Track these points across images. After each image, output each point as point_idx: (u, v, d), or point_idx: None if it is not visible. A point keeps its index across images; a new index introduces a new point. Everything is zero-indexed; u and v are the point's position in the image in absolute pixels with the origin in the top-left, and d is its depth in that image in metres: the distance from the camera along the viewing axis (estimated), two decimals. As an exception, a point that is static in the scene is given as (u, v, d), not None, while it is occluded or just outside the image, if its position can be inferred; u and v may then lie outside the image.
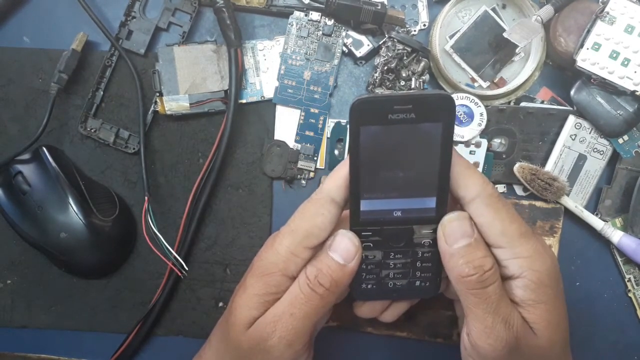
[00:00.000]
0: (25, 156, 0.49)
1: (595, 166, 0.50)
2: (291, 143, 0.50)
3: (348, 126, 0.33)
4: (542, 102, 0.50)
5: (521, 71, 0.50)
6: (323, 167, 0.51)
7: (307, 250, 0.35)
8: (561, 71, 0.50)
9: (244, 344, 0.35)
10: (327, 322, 0.49)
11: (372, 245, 0.36)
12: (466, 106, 0.48)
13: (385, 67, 0.48)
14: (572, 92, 0.48)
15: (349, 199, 0.35)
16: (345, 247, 0.35)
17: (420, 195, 0.34)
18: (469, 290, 0.34)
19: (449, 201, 0.35)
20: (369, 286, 0.37)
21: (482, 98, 0.48)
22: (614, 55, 0.46)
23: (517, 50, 0.49)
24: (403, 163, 0.33)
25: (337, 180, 0.35)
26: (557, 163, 0.49)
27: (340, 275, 0.35)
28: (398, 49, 0.48)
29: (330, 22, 0.49)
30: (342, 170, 0.35)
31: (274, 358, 0.35)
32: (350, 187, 0.34)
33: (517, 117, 0.49)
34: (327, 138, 0.50)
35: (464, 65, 0.49)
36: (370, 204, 0.34)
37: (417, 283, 0.37)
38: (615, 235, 0.49)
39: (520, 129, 0.49)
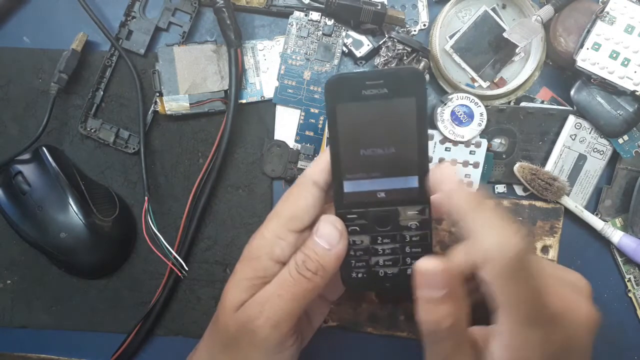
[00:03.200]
0: (25, 156, 0.49)
1: (595, 166, 0.50)
2: (291, 143, 0.50)
3: (325, 105, 0.33)
4: (542, 102, 0.50)
5: (521, 71, 0.50)
6: (323, 167, 0.51)
7: (292, 233, 0.35)
8: (561, 71, 0.50)
9: (231, 326, 0.35)
10: (327, 322, 0.49)
11: (358, 229, 0.36)
12: (466, 106, 0.48)
13: (385, 67, 0.48)
14: (572, 92, 0.48)
15: (332, 180, 0.35)
16: (328, 231, 0.35)
17: (401, 174, 0.34)
18: (425, 336, 0.32)
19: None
20: (360, 275, 0.37)
21: (482, 98, 0.48)
22: (614, 55, 0.46)
23: (517, 50, 0.49)
24: (381, 141, 0.33)
25: (319, 164, 0.36)
26: (557, 163, 0.49)
27: (327, 260, 0.35)
28: (398, 49, 0.48)
29: (330, 22, 0.49)
30: (325, 155, 0.35)
31: (260, 339, 0.35)
32: (332, 168, 0.34)
33: (517, 117, 0.49)
34: (327, 138, 0.50)
35: (464, 65, 0.49)
36: (353, 185, 0.35)
37: (409, 271, 0.37)
38: (615, 235, 0.49)
39: (520, 128, 0.49)
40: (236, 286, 0.36)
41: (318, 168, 0.36)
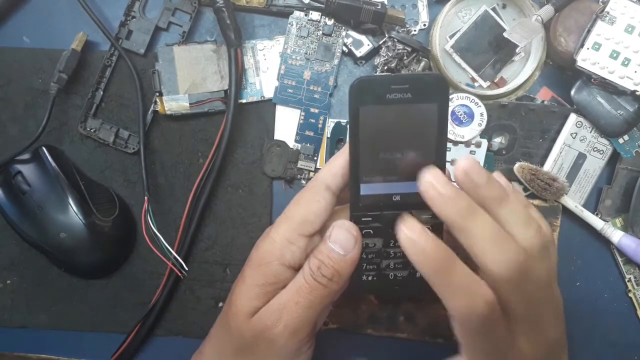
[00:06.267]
0: (25, 156, 0.48)
1: (594, 165, 0.50)
2: (291, 143, 0.50)
3: (348, 107, 0.34)
4: (543, 102, 0.50)
5: (521, 71, 0.50)
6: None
7: (303, 237, 0.35)
8: (561, 71, 0.50)
9: (247, 333, 0.35)
10: (327, 325, 0.49)
11: (372, 232, 0.36)
12: (466, 106, 0.48)
13: (386, 67, 0.48)
14: (572, 92, 0.48)
15: (348, 182, 0.35)
16: (344, 237, 0.35)
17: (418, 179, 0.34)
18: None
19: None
20: (370, 278, 0.37)
21: (483, 98, 0.48)
22: (614, 55, 0.46)
23: (517, 50, 0.49)
24: (401, 145, 0.34)
25: (333, 168, 0.35)
26: (556, 161, 0.49)
27: (342, 265, 0.35)
28: (398, 49, 0.48)
29: (330, 22, 0.49)
30: (339, 159, 0.35)
31: (278, 346, 0.35)
32: (350, 169, 0.34)
33: (518, 114, 0.49)
34: (327, 138, 0.50)
35: (464, 65, 0.49)
36: (369, 187, 0.35)
37: (418, 274, 0.37)
38: (616, 235, 0.49)
39: (521, 125, 0.49)
40: (247, 292, 0.36)
41: (331, 172, 0.35)
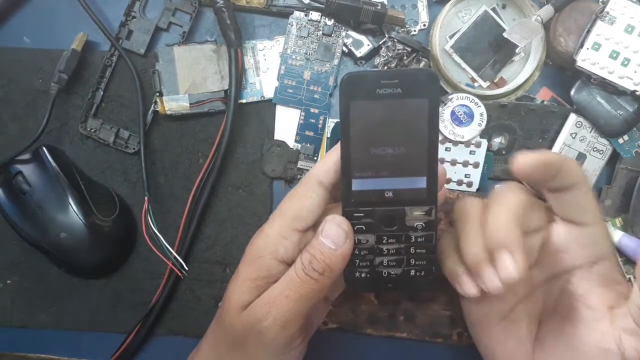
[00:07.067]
0: (25, 156, 0.49)
1: (594, 165, 0.50)
2: (291, 143, 0.50)
3: (338, 103, 0.34)
4: (542, 102, 0.50)
5: (521, 71, 0.50)
6: (323, 167, 0.51)
7: (296, 233, 0.35)
8: (561, 71, 0.50)
9: (238, 326, 0.35)
10: (327, 324, 0.49)
11: (364, 228, 0.36)
12: (466, 106, 0.48)
13: (385, 67, 0.48)
14: (572, 92, 0.48)
15: (340, 178, 0.35)
16: (335, 232, 0.35)
17: (410, 175, 0.35)
18: None
19: None
20: (363, 275, 0.37)
21: (482, 98, 0.48)
22: (614, 55, 0.46)
23: (517, 50, 0.49)
24: (392, 140, 0.34)
25: (326, 164, 0.36)
26: (557, 163, 0.49)
27: (333, 260, 0.35)
28: (398, 49, 0.48)
29: (330, 22, 0.50)
30: (332, 155, 0.36)
31: (268, 340, 0.35)
32: (342, 165, 0.35)
33: (518, 114, 0.49)
34: (327, 138, 0.50)
35: (464, 65, 0.49)
36: (361, 183, 0.35)
37: (412, 272, 0.37)
38: (615, 235, 0.49)
39: (521, 125, 0.49)
40: (240, 287, 0.36)
41: (324, 168, 0.36)
